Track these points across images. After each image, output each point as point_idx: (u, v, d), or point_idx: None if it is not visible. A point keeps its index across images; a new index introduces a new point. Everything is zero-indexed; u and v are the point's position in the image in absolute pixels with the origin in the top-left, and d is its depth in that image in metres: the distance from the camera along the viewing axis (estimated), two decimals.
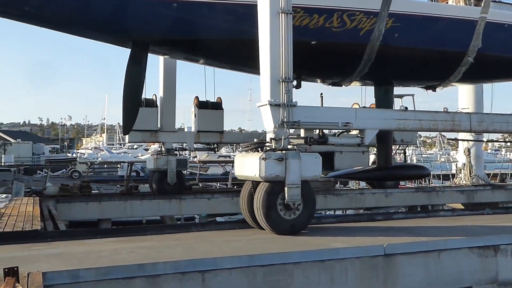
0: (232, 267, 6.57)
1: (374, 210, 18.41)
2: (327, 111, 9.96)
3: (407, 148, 23.14)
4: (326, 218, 12.79)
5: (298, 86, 12.92)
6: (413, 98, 22.11)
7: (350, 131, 10.50)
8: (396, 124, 10.33)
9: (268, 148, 8.86)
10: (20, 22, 11.65)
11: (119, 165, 37.31)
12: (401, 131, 16.45)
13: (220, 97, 18.25)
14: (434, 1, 14.93)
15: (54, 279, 5.66)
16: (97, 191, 20.09)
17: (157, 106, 16.91)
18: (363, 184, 22.39)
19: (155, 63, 17.16)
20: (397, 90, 19.70)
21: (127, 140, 17.40)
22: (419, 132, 23.31)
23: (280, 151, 8.62)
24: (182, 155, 18.18)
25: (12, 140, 62.38)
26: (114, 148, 66.40)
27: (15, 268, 4.98)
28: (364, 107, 16.91)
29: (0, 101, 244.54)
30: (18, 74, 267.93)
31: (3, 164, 41.54)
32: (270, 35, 8.80)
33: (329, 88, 14.49)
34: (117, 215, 16.45)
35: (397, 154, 22.22)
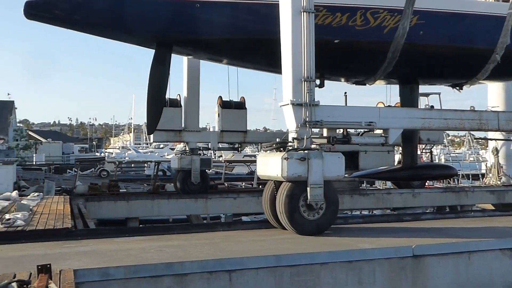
0: (259, 267, 6.59)
1: (401, 211, 18.17)
2: (350, 110, 9.88)
3: (433, 147, 22.74)
4: (353, 218, 12.69)
5: (321, 85, 12.84)
6: (440, 96, 21.76)
7: (374, 131, 10.38)
8: (421, 123, 10.18)
9: (290, 148, 8.83)
10: (51, 25, 12.00)
11: (146, 164, 37.75)
12: (427, 130, 16.23)
13: (243, 97, 18.31)
14: None
15: (85, 277, 5.78)
16: (125, 190, 20.38)
17: (181, 106, 17.09)
18: (389, 184, 22.12)
19: (179, 64, 17.34)
20: (423, 88, 19.42)
21: (152, 140, 17.64)
22: (447, 131, 22.92)
23: (302, 151, 8.58)
24: (205, 154, 18.29)
25: (43, 140, 63.82)
26: (141, 148, 67.24)
27: (48, 266, 5.10)
28: (389, 106, 16.69)
29: (31, 101, 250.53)
30: (48, 74, 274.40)
31: (34, 163, 42.50)
32: (292, 34, 8.78)
33: (354, 87, 14.38)
34: (145, 214, 16.66)
35: (423, 153, 21.87)
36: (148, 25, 11.48)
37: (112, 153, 56.77)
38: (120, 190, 18.58)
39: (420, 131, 15.85)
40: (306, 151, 8.57)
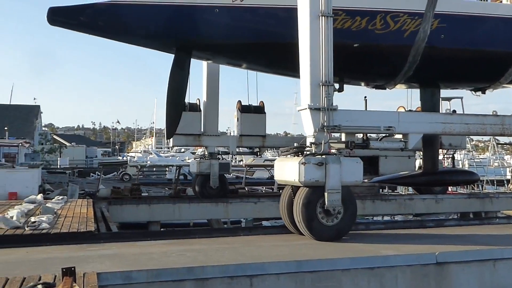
0: (280, 272, 6.58)
1: (424, 217, 17.93)
2: (368, 114, 9.80)
3: (456, 152, 22.40)
4: (375, 224, 12.56)
5: (340, 90, 12.79)
6: (462, 100, 21.45)
7: (393, 135, 10.28)
8: (441, 128, 10.03)
9: (308, 153, 8.78)
10: (76, 31, 12.26)
11: (167, 168, 38.08)
12: (448, 135, 15.99)
13: (262, 101, 18.32)
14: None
15: (108, 280, 5.86)
16: (147, 194, 20.58)
17: (200, 111, 17.21)
18: (411, 189, 21.86)
19: (199, 68, 17.50)
20: (445, 92, 19.14)
21: (171, 144, 17.86)
22: (470, 136, 22.54)
23: (320, 156, 8.52)
24: (224, 159, 18.35)
25: (67, 144, 64.96)
26: (162, 152, 67.81)
27: (72, 268, 5.17)
28: (409, 110, 16.51)
29: (55, 105, 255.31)
30: (72, 79, 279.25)
31: (59, 166, 43.27)
32: (310, 38, 8.74)
33: (375, 92, 14.28)
34: (166, 217, 16.80)
35: (445, 158, 21.57)
36: (168, 31, 11.62)
37: (134, 157, 57.32)
38: (142, 194, 18.78)
39: (442, 136, 15.66)
40: (323, 156, 8.50)
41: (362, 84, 14.23)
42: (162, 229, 16.56)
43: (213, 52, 12.94)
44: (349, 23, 11.15)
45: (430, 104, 13.45)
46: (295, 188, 8.88)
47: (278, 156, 17.50)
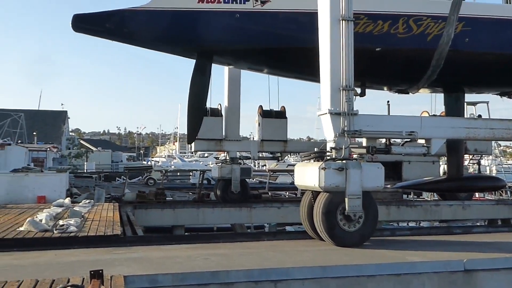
0: (305, 277, 6.55)
1: (450, 223, 17.62)
2: (390, 119, 9.65)
3: (482, 158, 21.96)
4: (400, 230, 12.43)
5: (362, 94, 12.69)
6: (488, 105, 21.05)
7: (415, 140, 10.13)
8: (465, 133, 9.83)
9: (328, 158, 8.70)
10: (101, 38, 12.52)
11: (191, 173, 38.33)
12: (473, 140, 15.68)
13: (284, 106, 18.29)
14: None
15: (135, 283, 5.93)
16: (171, 198, 20.78)
17: (222, 116, 17.28)
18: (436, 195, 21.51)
19: (220, 73, 17.64)
20: (470, 97, 18.80)
21: (193, 149, 18.04)
22: (498, 141, 22.08)
23: (340, 161, 8.43)
24: (245, 163, 18.38)
25: (94, 148, 65.99)
26: (186, 156, 68.32)
27: (100, 271, 5.27)
28: (434, 115, 16.26)
29: (82, 111, 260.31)
30: (97, 85, 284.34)
31: (85, 171, 43.99)
32: (330, 43, 8.68)
33: (399, 96, 14.13)
34: (190, 222, 16.93)
35: (471, 164, 21.17)
36: (189, 36, 11.74)
37: (158, 162, 57.95)
38: (167, 198, 18.96)
39: (467, 141, 15.38)
40: (344, 161, 8.41)
41: (385, 88, 14.11)
42: (186, 233, 16.68)
43: (234, 57, 13.01)
44: (371, 27, 11.08)
45: (454, 108, 13.24)
46: (315, 193, 8.83)
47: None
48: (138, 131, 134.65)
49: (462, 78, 12.95)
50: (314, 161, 9.01)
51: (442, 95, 14.00)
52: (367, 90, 12.90)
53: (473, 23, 11.53)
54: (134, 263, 6.90)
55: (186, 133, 17.16)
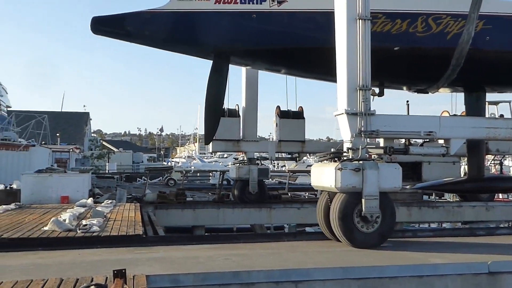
0: (326, 278, 6.53)
1: (473, 224, 17.34)
2: (408, 119, 9.49)
3: (504, 158, 21.54)
4: (422, 231, 12.25)
5: (380, 94, 12.56)
6: (510, 104, 20.64)
7: (434, 141, 9.97)
8: (485, 133, 9.62)
9: (344, 158, 8.62)
10: (122, 41, 12.69)
11: (211, 174, 38.51)
12: (495, 141, 15.37)
13: (301, 106, 18.19)
14: None
15: (157, 282, 5.99)
16: (191, 199, 20.90)
17: (239, 116, 17.30)
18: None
19: (238, 74, 17.65)
20: (492, 96, 18.45)
21: (211, 149, 18.11)
22: None
23: (357, 161, 8.33)
24: (263, 164, 18.36)
25: (115, 149, 66.83)
26: (205, 157, 68.71)
27: (123, 271, 5.34)
28: (454, 114, 16.02)
29: (104, 112, 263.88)
30: (117, 86, 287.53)
31: (107, 171, 44.58)
32: (347, 42, 8.59)
33: (420, 96, 13.95)
34: (210, 222, 17.01)
35: (493, 165, 20.78)
36: (206, 37, 11.79)
37: (178, 163, 58.38)
38: (187, 199, 19.08)
39: (489, 142, 15.11)
40: (361, 162, 8.31)
41: (404, 88, 13.94)
42: (206, 234, 16.77)
43: (251, 58, 13.00)
44: (389, 26, 10.96)
45: (475, 108, 12.99)
46: (332, 194, 8.75)
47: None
48: (158, 132, 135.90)
49: (483, 77, 12.73)
50: (331, 161, 8.93)
51: (462, 94, 13.80)
52: (386, 90, 12.78)
53: (494, 21, 11.32)
54: (156, 263, 6.97)
55: None
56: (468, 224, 17.84)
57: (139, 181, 36.36)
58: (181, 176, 28.18)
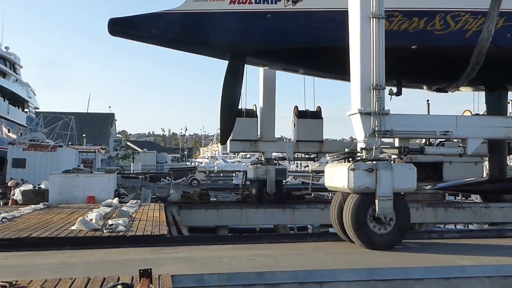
0: (351, 280, 6.49)
1: (501, 226, 16.97)
2: (423, 119, 9.25)
3: None
4: (449, 232, 12.06)
5: (398, 94, 12.37)
6: None
7: (451, 140, 9.75)
8: (504, 133, 9.33)
9: (358, 158, 8.51)
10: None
11: (234, 174, 38.63)
12: None
13: (319, 106, 18.07)
14: None
15: (182, 282, 6.04)
16: (215, 199, 21.01)
17: (257, 116, 17.29)
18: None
19: (256, 74, 17.64)
20: None
21: (228, 150, 18.16)
22: None
23: (370, 162, 8.21)
24: (281, 164, 18.30)
25: (139, 150, 67.59)
26: (228, 157, 68.93)
27: (149, 270, 5.40)
28: (476, 114, 15.68)
29: (128, 113, 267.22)
30: (141, 87, 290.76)
31: (132, 171, 45.15)
32: (360, 41, 8.47)
33: (443, 96, 13.72)
34: (234, 222, 17.08)
35: None
36: (221, 37, 11.83)
37: (201, 163, 58.73)
38: (210, 199, 19.19)
39: None
40: (374, 162, 8.18)
41: (425, 87, 13.71)
42: (230, 234, 16.83)
43: (267, 58, 12.97)
44: (406, 24, 10.80)
45: (496, 107, 12.69)
46: (345, 195, 8.62)
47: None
48: (181, 133, 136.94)
49: (504, 75, 12.45)
50: (344, 161, 8.81)
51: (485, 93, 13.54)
52: (408, 90, 12.64)
53: None
54: (181, 263, 7.03)
55: None
56: (496, 225, 17.47)
57: (163, 181, 36.73)
58: (205, 176, 28.37)
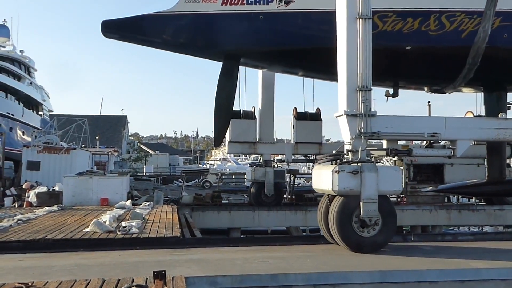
0: (364, 282, 6.47)
1: None
2: (411, 120, 9.07)
3: None
4: (463, 235, 11.93)
5: (395, 95, 12.25)
6: None
7: (439, 142, 9.63)
8: (495, 134, 9.16)
9: (344, 160, 8.43)
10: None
11: (245, 176, 38.64)
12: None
13: (319, 108, 17.98)
14: None
15: (195, 284, 6.08)
16: (227, 201, 21.04)
17: (255, 118, 17.24)
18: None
19: (255, 76, 17.66)
20: None
21: (227, 151, 18.19)
22: None
23: (355, 164, 8.13)
24: (279, 166, 18.24)
25: (152, 152, 67.98)
26: (240, 160, 68.99)
27: (163, 272, 5.44)
28: (479, 115, 15.49)
29: (140, 116, 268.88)
30: (153, 90, 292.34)
31: (144, 174, 45.38)
32: (347, 42, 8.38)
33: (455, 98, 13.59)
34: (246, 224, 17.09)
35: None
36: (214, 39, 11.79)
37: (213, 165, 58.87)
38: (222, 201, 19.23)
39: None
40: (359, 164, 8.09)
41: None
42: (242, 236, 16.85)
43: (262, 60, 12.89)
44: (400, 25, 10.70)
45: (495, 108, 12.48)
46: (331, 197, 8.54)
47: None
48: (193, 135, 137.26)
49: (503, 76, 12.25)
50: (331, 164, 8.75)
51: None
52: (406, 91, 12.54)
53: None
54: (194, 265, 7.06)
55: None
56: (511, 228, 17.28)
57: (175, 183, 36.83)
58: (217, 179, 28.41)
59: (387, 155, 8.87)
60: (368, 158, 8.61)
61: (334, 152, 9.02)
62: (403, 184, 17.03)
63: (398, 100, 12.69)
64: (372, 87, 8.40)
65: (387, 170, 8.33)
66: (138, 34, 12.07)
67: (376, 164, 8.54)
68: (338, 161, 8.66)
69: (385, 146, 9.13)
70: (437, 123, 8.94)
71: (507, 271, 6.84)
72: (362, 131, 8.29)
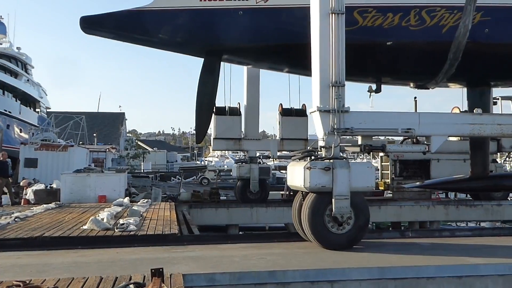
0: (362, 278, 6.48)
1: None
2: (384, 116, 9.00)
3: None
4: (461, 231, 11.94)
5: (378, 91, 12.23)
6: None
7: (412, 138, 9.59)
8: (469, 130, 9.13)
9: (317, 157, 8.40)
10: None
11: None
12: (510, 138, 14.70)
13: (305, 104, 17.92)
14: None
15: (193, 281, 6.07)
16: (225, 198, 21.05)
17: (240, 115, 17.19)
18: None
19: (240, 72, 17.56)
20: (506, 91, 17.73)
21: (212, 148, 18.13)
22: None
23: (327, 160, 8.10)
24: (265, 163, 18.22)
25: (150, 149, 67.83)
26: (238, 156, 68.90)
27: (161, 270, 5.43)
28: (465, 111, 15.48)
29: (137, 112, 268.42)
30: (151, 86, 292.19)
31: (142, 171, 45.31)
32: (320, 37, 8.33)
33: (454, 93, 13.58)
34: (244, 221, 17.09)
35: (507, 162, 19.99)
36: (194, 35, 11.71)
37: (211, 162, 58.80)
38: (220, 198, 19.24)
39: (502, 139, 14.64)
40: (331, 160, 8.06)
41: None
42: (240, 233, 16.86)
43: (242, 55, 12.82)
44: (380, 20, 10.65)
45: (478, 104, 12.38)
46: (305, 194, 8.52)
47: None
48: (191, 132, 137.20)
49: (485, 71, 12.20)
50: (304, 160, 8.69)
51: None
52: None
53: (493, 13, 10.84)
54: (192, 262, 7.05)
55: None
56: (508, 223, 17.33)
57: (173, 180, 36.83)
58: (215, 175, 28.38)
59: (361, 151, 8.83)
60: (342, 155, 8.59)
61: (308, 148, 8.97)
62: (389, 180, 17.12)
63: (398, 98, 12.69)
64: (345, 83, 8.36)
65: (359, 167, 8.34)
66: (117, 30, 11.98)
67: (349, 161, 8.53)
68: (310, 158, 8.63)
69: (359, 142, 9.09)
70: (411, 118, 8.88)
71: (504, 266, 6.86)
72: (335, 127, 8.25)
